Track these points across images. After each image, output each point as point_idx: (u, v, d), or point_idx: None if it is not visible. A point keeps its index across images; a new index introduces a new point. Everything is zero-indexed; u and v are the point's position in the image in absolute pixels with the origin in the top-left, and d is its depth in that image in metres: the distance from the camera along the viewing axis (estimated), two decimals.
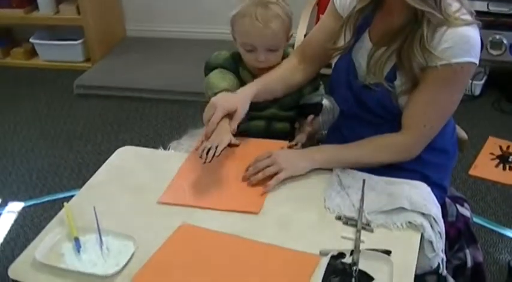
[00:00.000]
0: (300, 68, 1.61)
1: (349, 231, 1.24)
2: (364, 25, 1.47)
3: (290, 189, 1.38)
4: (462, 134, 1.61)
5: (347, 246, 1.19)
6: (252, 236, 1.24)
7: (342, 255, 1.16)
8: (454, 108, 1.40)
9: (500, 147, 2.67)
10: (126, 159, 1.57)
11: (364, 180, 1.33)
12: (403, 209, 1.26)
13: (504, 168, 2.52)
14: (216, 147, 1.36)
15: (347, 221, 1.26)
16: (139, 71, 3.59)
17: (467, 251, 1.58)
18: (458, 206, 1.59)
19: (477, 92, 3.15)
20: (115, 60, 3.78)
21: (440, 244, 1.26)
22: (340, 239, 1.22)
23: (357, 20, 1.46)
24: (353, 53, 1.48)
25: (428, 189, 1.35)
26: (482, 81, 3.15)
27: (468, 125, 1.61)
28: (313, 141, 1.66)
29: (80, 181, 2.63)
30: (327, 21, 1.57)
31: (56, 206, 2.47)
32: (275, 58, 1.59)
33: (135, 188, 1.42)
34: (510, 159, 2.57)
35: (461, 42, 1.29)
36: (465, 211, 1.60)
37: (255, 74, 1.61)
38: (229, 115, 1.44)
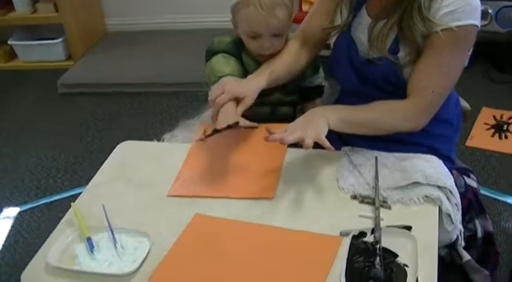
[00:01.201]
0: (302, 52, 1.58)
1: (367, 210, 1.22)
2: (360, 1, 1.44)
3: (301, 171, 1.36)
4: (464, 104, 1.60)
5: (366, 225, 1.17)
6: (268, 221, 1.22)
7: (363, 234, 1.14)
8: (458, 73, 1.38)
9: (494, 117, 2.68)
10: (128, 154, 1.53)
11: (376, 157, 1.31)
12: (418, 183, 1.24)
13: (500, 137, 2.52)
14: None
15: (363, 199, 1.24)
16: (124, 65, 3.53)
17: (476, 221, 1.56)
18: (465, 178, 1.58)
19: (466, 63, 3.13)
20: (98, 57, 3.71)
21: (458, 216, 1.25)
22: (358, 218, 1.20)
23: None
24: (352, 30, 1.46)
25: (440, 161, 1.33)
26: (470, 52, 3.14)
27: (460, 96, 1.59)
28: None
29: (74, 181, 2.58)
30: (324, 1, 1.54)
31: (53, 209, 2.43)
32: (280, 43, 1.56)
33: (141, 183, 1.38)
34: (505, 128, 2.57)
35: (462, 5, 1.27)
36: (472, 182, 1.59)
37: (258, 59, 1.59)
38: (236, 100, 1.42)
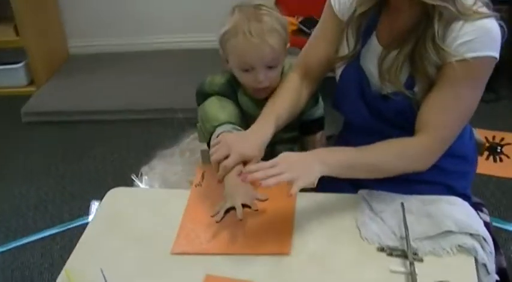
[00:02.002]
0: (303, 85, 1.46)
1: (397, 264, 1.11)
2: (370, 27, 1.33)
3: (316, 220, 1.24)
4: (479, 137, 1.51)
5: (399, 281, 1.07)
6: (288, 281, 1.10)
7: None
8: (473, 108, 1.27)
9: (487, 139, 2.62)
10: (119, 203, 1.38)
11: (402, 204, 1.21)
12: (449, 231, 1.14)
13: (495, 160, 2.47)
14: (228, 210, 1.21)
15: (391, 252, 1.14)
16: (91, 91, 3.36)
17: None
18: (479, 212, 1.49)
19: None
20: (62, 82, 3.52)
21: (493, 265, 1.16)
22: (389, 274, 1.10)
23: (360, 24, 1.33)
24: (361, 60, 1.35)
25: (466, 203, 1.25)
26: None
27: None
28: None
29: (47, 220, 2.41)
30: (326, 28, 1.42)
31: (26, 252, 2.25)
32: (275, 75, 1.43)
33: (140, 238, 1.24)
34: (499, 150, 2.52)
35: (481, 35, 1.18)
36: (485, 216, 1.51)
37: (254, 97, 1.46)
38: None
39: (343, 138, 1.51)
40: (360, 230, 1.20)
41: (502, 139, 2.61)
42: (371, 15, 1.32)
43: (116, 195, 1.41)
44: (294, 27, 3.17)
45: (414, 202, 1.25)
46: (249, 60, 1.38)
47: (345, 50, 1.37)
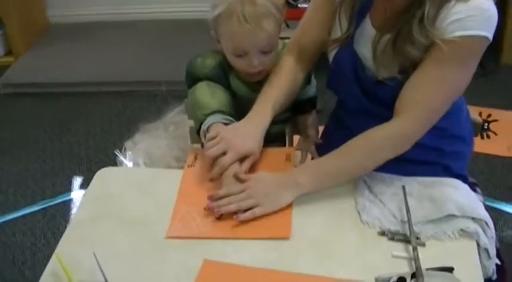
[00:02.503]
0: (298, 68, 1.40)
1: (399, 249, 1.09)
2: (364, 9, 1.27)
3: (316, 203, 1.21)
4: (475, 116, 1.49)
5: (402, 267, 1.05)
6: (288, 266, 1.07)
7: (402, 280, 1.01)
8: (459, 89, 1.22)
9: None
10: (110, 184, 1.33)
11: (404, 187, 1.18)
12: (451, 215, 1.12)
13: (482, 137, 2.46)
14: None
15: (393, 236, 1.11)
16: (72, 62, 3.26)
17: None
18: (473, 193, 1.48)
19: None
20: (42, 52, 3.42)
21: (494, 249, 1.15)
22: (391, 260, 1.07)
23: (353, 6, 1.27)
24: (355, 43, 1.29)
25: (467, 187, 1.23)
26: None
27: None
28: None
29: (28, 197, 2.34)
30: (318, 8, 1.36)
31: (7, 229, 2.19)
32: (270, 60, 1.37)
33: (133, 221, 1.20)
34: (485, 127, 2.51)
35: (474, 13, 1.11)
36: (479, 197, 1.50)
37: (247, 80, 1.41)
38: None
39: (337, 118, 1.48)
40: (360, 214, 1.17)
41: (489, 115, 2.60)
42: None
43: (105, 175, 1.36)
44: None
45: (415, 185, 1.22)
46: (242, 45, 1.32)
47: (337, 32, 1.32)
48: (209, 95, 1.37)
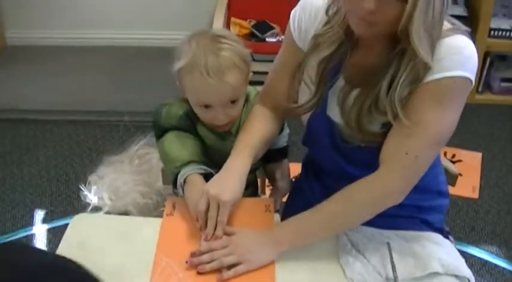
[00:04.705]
0: (273, 117, 1.37)
1: None
2: (336, 68, 1.21)
3: (299, 259, 1.19)
4: (452, 168, 1.50)
5: None
6: None
7: None
8: (445, 133, 1.14)
9: None
10: (87, 232, 1.28)
11: (389, 244, 1.19)
12: (435, 273, 1.14)
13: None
14: None
15: None
16: (29, 87, 3.13)
17: None
18: None
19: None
20: None
21: None
22: None
23: (323, 69, 1.21)
24: (328, 108, 1.24)
25: (449, 243, 1.25)
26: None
27: None
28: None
29: None
30: (288, 57, 1.31)
31: None
32: (236, 110, 1.34)
33: (114, 274, 1.15)
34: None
35: (452, 52, 1.08)
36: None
37: (215, 130, 1.37)
38: None
39: (311, 171, 1.46)
40: (343, 270, 1.17)
41: (453, 156, 2.64)
42: (336, 57, 1.20)
43: (82, 222, 1.32)
44: (246, 31, 3.12)
45: (396, 239, 1.23)
46: (206, 99, 1.29)
47: (305, 93, 1.27)
48: (178, 146, 1.34)
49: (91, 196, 2.30)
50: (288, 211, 1.37)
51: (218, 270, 1.15)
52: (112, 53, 3.51)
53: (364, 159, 1.23)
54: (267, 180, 1.59)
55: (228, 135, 1.39)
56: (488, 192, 2.47)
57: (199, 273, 1.15)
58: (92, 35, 3.60)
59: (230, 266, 1.14)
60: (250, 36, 3.07)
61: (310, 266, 1.18)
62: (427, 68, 1.08)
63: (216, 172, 1.29)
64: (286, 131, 1.52)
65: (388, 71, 1.12)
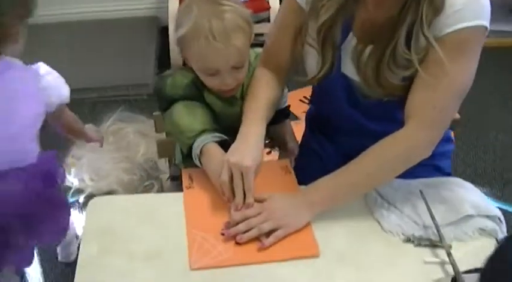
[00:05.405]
0: (277, 79, 1.34)
1: (428, 254, 1.11)
2: (345, 27, 1.20)
3: (332, 218, 1.18)
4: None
5: (437, 272, 1.08)
6: None
7: None
8: (467, 83, 1.15)
9: None
10: (109, 214, 1.22)
11: (421, 192, 1.20)
12: (468, 215, 1.16)
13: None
14: None
15: (419, 242, 1.13)
16: None
17: None
18: None
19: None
20: None
21: None
22: (423, 266, 1.09)
23: (326, 34, 1.19)
24: (343, 66, 1.23)
25: (473, 186, 1.26)
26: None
27: None
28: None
29: None
30: (288, 18, 1.28)
31: None
32: (243, 74, 1.30)
33: (147, 255, 1.11)
34: None
35: (471, 2, 1.08)
36: None
37: (222, 95, 1.34)
38: None
39: (320, 131, 1.46)
40: (379, 223, 1.18)
41: None
42: (339, 19, 1.18)
43: (101, 205, 1.26)
44: None
45: (420, 187, 1.24)
46: (213, 65, 1.25)
47: (310, 56, 1.26)
48: (189, 116, 1.30)
49: (71, 178, 2.21)
50: (301, 172, 1.35)
51: (256, 238, 1.13)
52: (70, 29, 3.32)
53: (386, 114, 1.24)
54: None
55: (234, 100, 1.36)
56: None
57: (237, 243, 1.13)
58: (43, 12, 3.39)
59: (268, 233, 1.13)
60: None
61: (346, 224, 1.18)
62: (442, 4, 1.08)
63: (230, 139, 1.26)
64: (286, 90, 1.50)
65: (405, 20, 1.11)
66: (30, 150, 1.41)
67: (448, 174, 1.40)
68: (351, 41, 1.21)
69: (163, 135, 1.61)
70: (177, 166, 1.56)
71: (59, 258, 1.93)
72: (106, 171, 2.20)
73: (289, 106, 1.52)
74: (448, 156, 1.44)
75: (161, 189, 2.24)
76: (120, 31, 3.13)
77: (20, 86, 1.36)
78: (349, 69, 1.23)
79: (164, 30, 3.08)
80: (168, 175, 1.72)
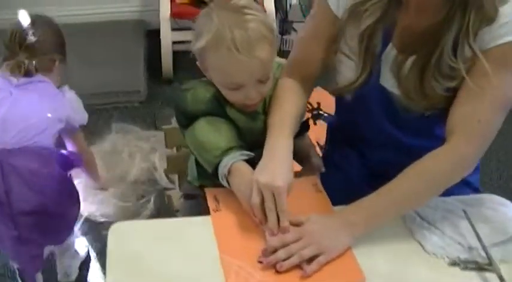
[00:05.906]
0: (302, 89, 1.29)
1: (476, 278, 1.07)
2: (385, 36, 1.17)
3: (371, 241, 1.12)
4: None
5: None
6: None
7: None
8: (511, 98, 1.12)
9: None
10: (131, 243, 1.14)
11: (465, 211, 1.15)
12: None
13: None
14: None
15: (466, 265, 1.09)
16: None
17: None
18: None
19: None
20: None
21: None
22: None
23: (368, 40, 1.15)
24: (382, 77, 1.20)
25: (510, 202, 1.23)
26: None
27: None
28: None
29: None
30: (320, 26, 1.24)
31: None
32: (268, 87, 1.22)
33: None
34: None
35: None
36: None
37: (245, 110, 1.26)
38: None
39: (348, 145, 1.41)
40: (421, 244, 1.13)
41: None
42: (381, 26, 1.14)
43: (122, 231, 1.18)
44: None
45: (458, 205, 1.20)
46: (237, 79, 1.17)
47: (344, 66, 1.22)
48: (214, 132, 1.22)
49: None
50: (327, 187, 1.30)
51: (297, 265, 1.07)
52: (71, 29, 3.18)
53: (424, 129, 1.20)
54: None
55: (256, 114, 1.28)
56: None
57: (277, 271, 1.07)
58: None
59: (309, 259, 1.07)
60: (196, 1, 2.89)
61: (387, 246, 1.12)
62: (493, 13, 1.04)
63: (256, 155, 1.19)
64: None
65: (451, 28, 1.08)
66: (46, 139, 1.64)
67: (477, 189, 1.37)
68: (391, 51, 1.18)
69: (173, 151, 1.54)
70: (190, 183, 1.48)
71: (59, 277, 1.84)
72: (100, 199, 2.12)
73: (308, 119, 1.46)
74: (477, 171, 1.40)
75: (158, 203, 2.17)
76: (104, 35, 3.03)
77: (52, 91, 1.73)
78: (388, 81, 1.19)
79: (151, 34, 3.00)
80: (176, 190, 1.65)
